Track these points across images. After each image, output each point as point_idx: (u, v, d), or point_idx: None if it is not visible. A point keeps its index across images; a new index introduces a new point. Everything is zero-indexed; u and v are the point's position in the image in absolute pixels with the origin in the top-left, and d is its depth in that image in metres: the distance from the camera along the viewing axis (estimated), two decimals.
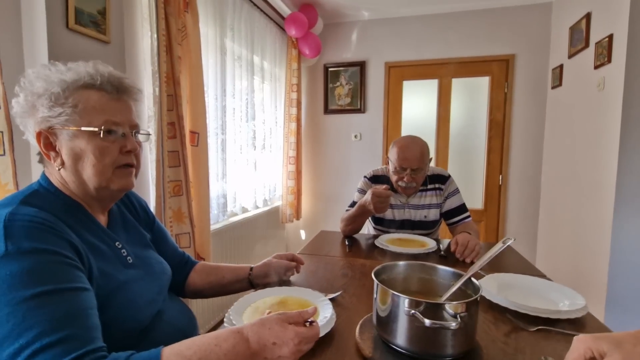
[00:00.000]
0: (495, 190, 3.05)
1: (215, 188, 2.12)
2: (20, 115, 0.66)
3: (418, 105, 3.18)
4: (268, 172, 2.92)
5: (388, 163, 1.57)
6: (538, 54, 2.85)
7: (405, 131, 3.21)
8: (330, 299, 0.90)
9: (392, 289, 0.78)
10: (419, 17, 3.05)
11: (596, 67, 2.09)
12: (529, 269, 1.20)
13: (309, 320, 0.59)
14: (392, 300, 0.64)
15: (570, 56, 2.44)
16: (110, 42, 1.37)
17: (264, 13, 2.69)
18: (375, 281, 0.69)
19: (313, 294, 0.86)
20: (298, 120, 3.11)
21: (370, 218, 1.69)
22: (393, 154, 1.49)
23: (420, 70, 3.11)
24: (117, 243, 0.72)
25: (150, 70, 1.58)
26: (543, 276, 1.11)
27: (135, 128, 0.72)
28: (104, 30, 1.33)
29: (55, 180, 0.68)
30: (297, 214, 3.20)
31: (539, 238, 2.96)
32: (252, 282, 0.98)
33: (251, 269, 0.99)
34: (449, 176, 1.61)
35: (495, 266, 1.23)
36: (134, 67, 1.52)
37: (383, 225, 1.64)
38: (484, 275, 1.04)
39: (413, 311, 0.60)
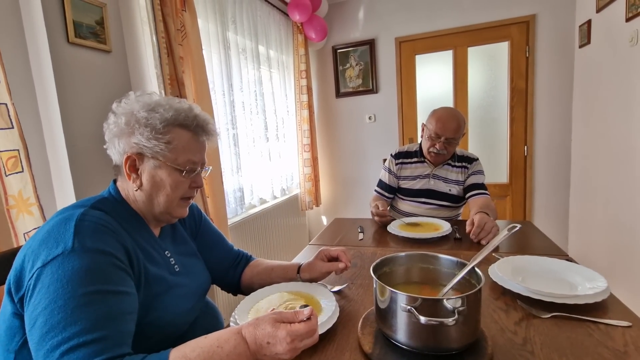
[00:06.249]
0: (520, 163, 2.90)
1: (230, 182, 2.16)
2: (116, 134, 0.71)
3: (433, 80, 3.04)
4: (283, 161, 2.93)
5: (422, 131, 1.65)
6: (562, 11, 2.61)
7: (421, 108, 3.08)
8: (336, 291, 0.90)
9: (394, 281, 0.77)
10: None
11: (628, 20, 1.89)
12: (551, 250, 1.14)
13: (306, 317, 0.60)
14: (389, 296, 0.63)
15: (598, 10, 2.22)
16: (111, 50, 1.40)
17: (266, 0, 2.64)
18: (374, 277, 0.68)
19: (317, 289, 0.86)
20: (310, 107, 3.07)
21: (397, 191, 1.77)
22: (431, 121, 1.57)
23: (433, 42, 2.96)
24: (166, 252, 0.78)
25: (155, 73, 1.61)
26: (565, 256, 1.05)
27: (204, 165, 0.78)
28: (104, 40, 1.36)
29: (124, 192, 0.75)
30: (317, 201, 3.21)
31: (571, 214, 2.79)
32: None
33: (298, 270, 0.93)
34: (477, 159, 1.67)
35: (513, 247, 1.19)
36: (137, 72, 1.54)
37: (408, 195, 1.71)
38: (499, 259, 1.00)
39: (409, 307, 0.59)
